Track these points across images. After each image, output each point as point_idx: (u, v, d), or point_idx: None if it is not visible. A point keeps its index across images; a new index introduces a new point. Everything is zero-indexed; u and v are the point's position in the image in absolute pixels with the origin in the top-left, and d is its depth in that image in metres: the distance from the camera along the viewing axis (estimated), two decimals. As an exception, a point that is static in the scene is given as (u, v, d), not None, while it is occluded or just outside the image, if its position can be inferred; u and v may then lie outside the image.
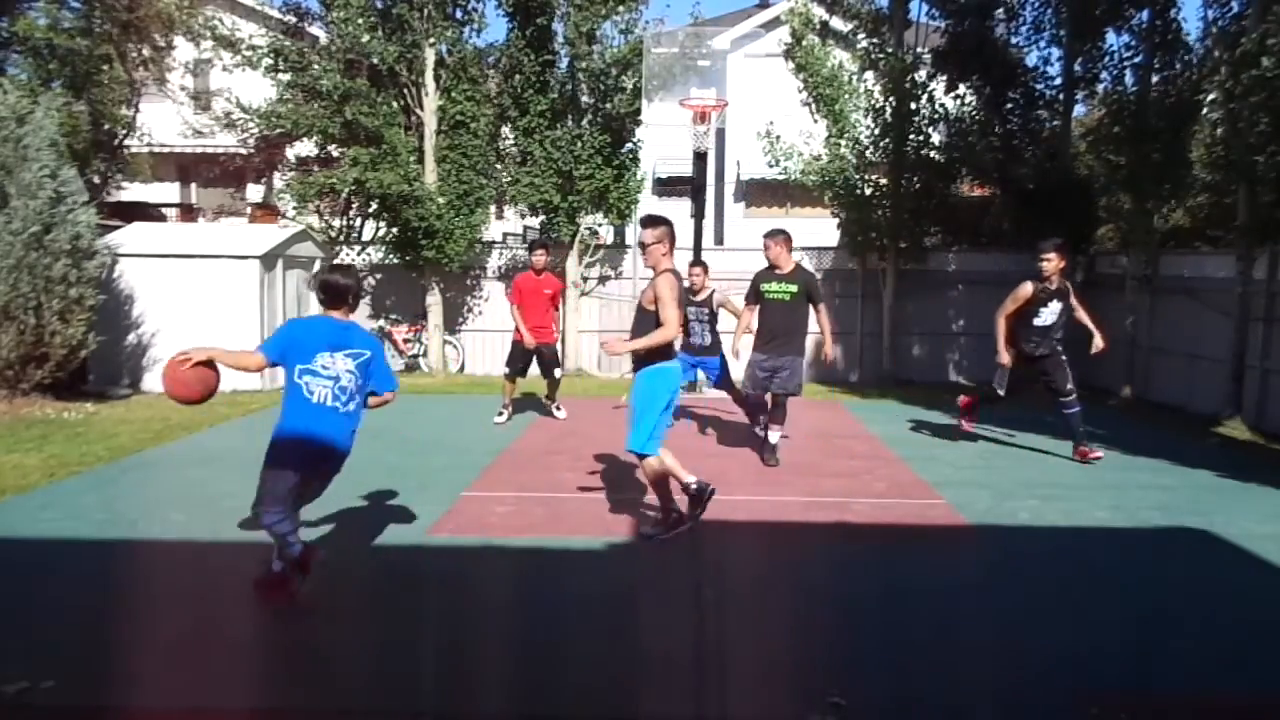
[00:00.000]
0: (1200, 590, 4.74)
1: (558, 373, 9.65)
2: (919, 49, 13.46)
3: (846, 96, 13.21)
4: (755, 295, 7.59)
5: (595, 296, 14.41)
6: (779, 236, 7.43)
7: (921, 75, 13.31)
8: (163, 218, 17.27)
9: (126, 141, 15.12)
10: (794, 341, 7.39)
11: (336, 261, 3.65)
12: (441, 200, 13.14)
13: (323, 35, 14.37)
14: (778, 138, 13.76)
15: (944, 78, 13.46)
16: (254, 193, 19.34)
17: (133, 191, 17.98)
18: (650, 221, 5.32)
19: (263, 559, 4.46)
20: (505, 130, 14.26)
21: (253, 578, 4.42)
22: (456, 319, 14.42)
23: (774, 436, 7.60)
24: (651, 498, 5.74)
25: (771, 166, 14.27)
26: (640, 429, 5.23)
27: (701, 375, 9.45)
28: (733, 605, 4.50)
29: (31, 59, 12.83)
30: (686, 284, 8.16)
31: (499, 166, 14.16)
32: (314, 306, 12.99)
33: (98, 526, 5.59)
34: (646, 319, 5.21)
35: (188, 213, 19.62)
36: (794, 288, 7.34)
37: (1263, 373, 9.65)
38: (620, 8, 13.15)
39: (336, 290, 4.38)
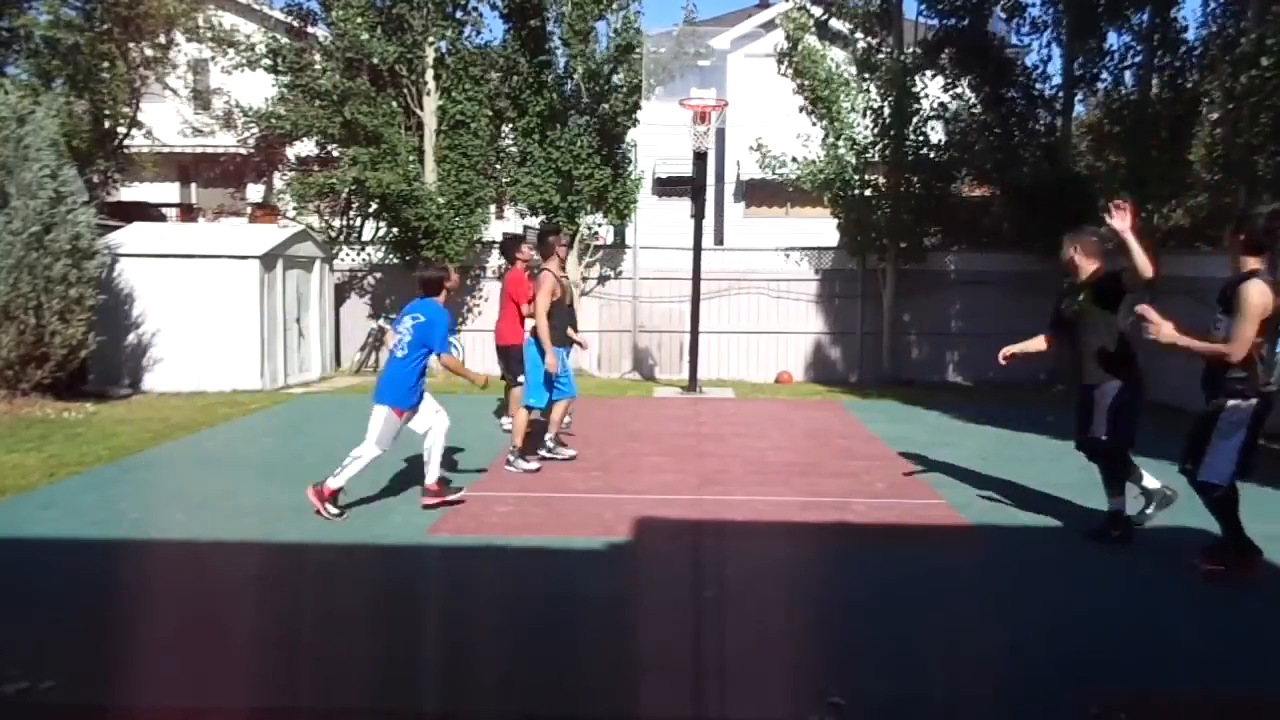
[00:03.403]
0: (1201, 590, 4.74)
1: (515, 391, 8.25)
2: (916, 49, 13.46)
3: (844, 98, 13.21)
4: (1055, 317, 5.68)
5: (595, 296, 14.40)
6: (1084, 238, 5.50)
7: (921, 76, 13.30)
8: (163, 218, 17.25)
9: (127, 140, 15.13)
10: (1087, 365, 5.41)
11: (430, 261, 6.49)
12: (441, 200, 13.14)
13: (323, 35, 14.38)
14: (767, 148, 13.77)
15: (942, 75, 13.45)
16: (254, 193, 19.33)
17: (133, 191, 17.98)
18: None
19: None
20: (505, 130, 14.27)
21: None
22: (456, 319, 14.42)
23: (1118, 502, 5.53)
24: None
25: (764, 169, 14.28)
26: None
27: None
28: (732, 605, 4.49)
29: (32, 58, 12.83)
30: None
31: (499, 166, 14.17)
32: (313, 305, 13.02)
33: (98, 526, 5.58)
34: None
35: (188, 213, 19.61)
36: (1082, 296, 5.43)
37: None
38: (614, 4, 13.14)
39: (421, 282, 6.32)
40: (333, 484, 5.72)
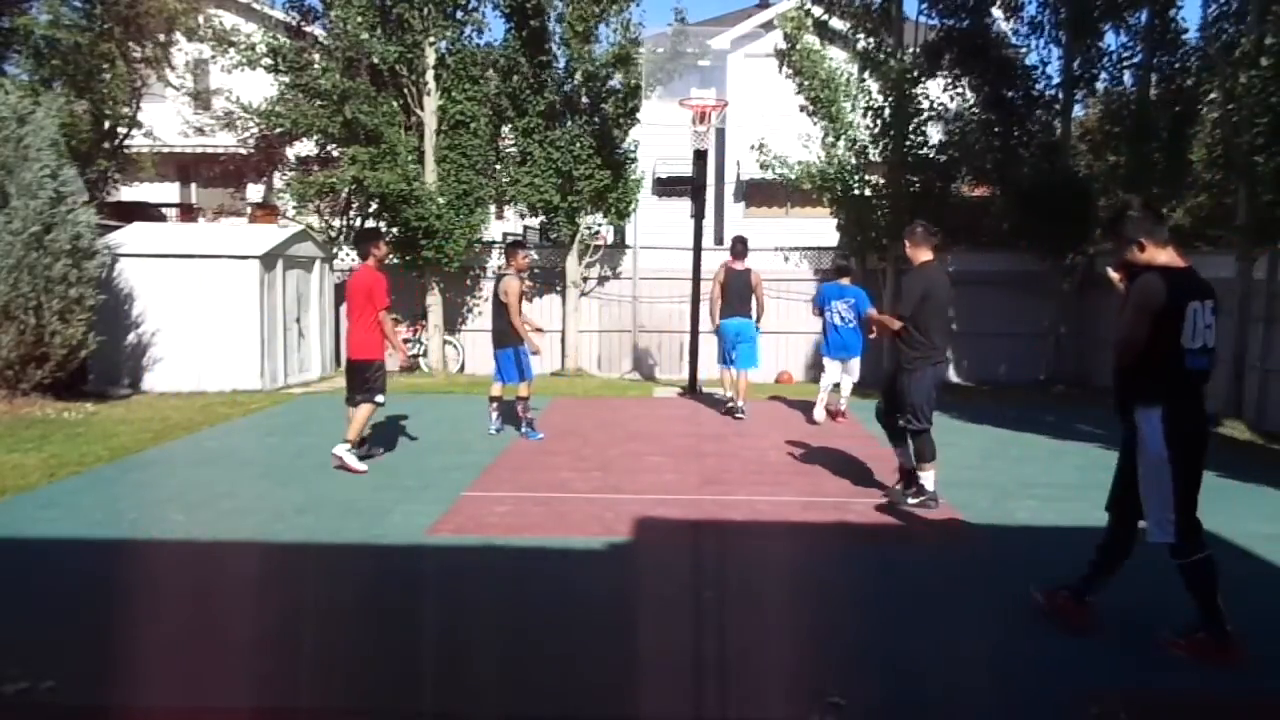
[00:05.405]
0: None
1: (362, 409, 7.10)
2: (916, 50, 13.45)
3: (844, 98, 13.21)
4: None
5: (595, 296, 14.41)
6: None
7: (921, 77, 13.29)
8: (163, 218, 17.26)
9: (127, 140, 15.12)
10: None
11: (843, 254, 9.98)
12: (441, 200, 13.14)
13: (323, 34, 14.38)
14: (769, 148, 13.75)
15: (941, 74, 13.45)
16: (254, 193, 19.33)
17: (133, 191, 17.97)
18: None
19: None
20: (505, 130, 14.27)
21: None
22: (456, 319, 14.43)
23: None
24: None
25: (764, 169, 14.28)
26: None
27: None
28: (732, 605, 4.50)
29: (32, 58, 12.83)
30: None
31: (499, 166, 14.17)
32: (313, 305, 12.99)
33: (98, 526, 5.59)
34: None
35: (188, 213, 19.61)
36: None
37: (1263, 373, 9.65)
38: (614, 7, 13.15)
39: (841, 270, 9.88)
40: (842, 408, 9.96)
